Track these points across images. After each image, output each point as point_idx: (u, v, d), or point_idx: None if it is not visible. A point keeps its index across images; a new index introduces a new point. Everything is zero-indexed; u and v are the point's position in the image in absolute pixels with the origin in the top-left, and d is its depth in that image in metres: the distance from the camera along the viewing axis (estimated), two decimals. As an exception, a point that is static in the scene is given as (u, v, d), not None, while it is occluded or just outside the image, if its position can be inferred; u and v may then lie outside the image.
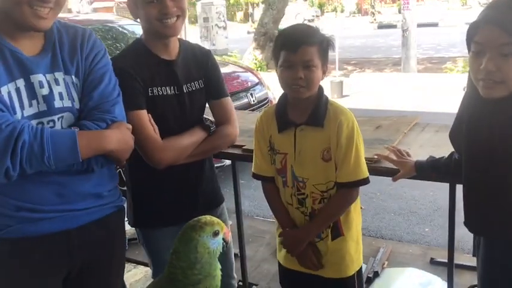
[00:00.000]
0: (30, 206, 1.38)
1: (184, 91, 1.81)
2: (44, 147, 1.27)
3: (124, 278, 1.74)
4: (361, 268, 1.79)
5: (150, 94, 1.73)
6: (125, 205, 1.67)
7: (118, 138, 1.43)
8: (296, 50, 1.54)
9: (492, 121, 1.34)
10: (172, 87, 1.78)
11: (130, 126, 1.51)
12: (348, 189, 1.65)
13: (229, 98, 1.97)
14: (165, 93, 1.76)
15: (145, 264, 2.86)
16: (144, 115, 1.70)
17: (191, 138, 1.80)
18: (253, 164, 1.79)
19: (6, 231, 1.38)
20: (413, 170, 1.75)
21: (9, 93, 1.32)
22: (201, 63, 1.88)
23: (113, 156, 1.44)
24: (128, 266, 2.79)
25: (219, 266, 1.20)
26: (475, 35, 1.31)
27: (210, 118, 1.91)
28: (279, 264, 1.86)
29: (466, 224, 1.49)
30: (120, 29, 5.74)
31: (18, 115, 1.33)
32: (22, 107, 1.34)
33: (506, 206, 1.36)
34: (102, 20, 6.15)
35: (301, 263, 1.73)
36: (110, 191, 1.57)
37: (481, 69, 1.29)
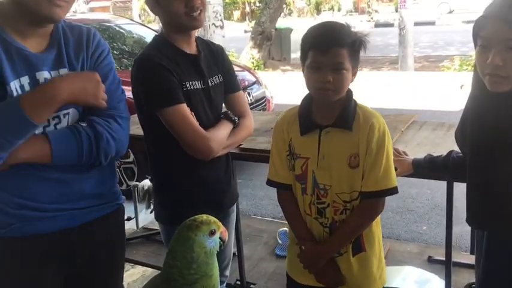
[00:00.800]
0: (32, 204, 1.38)
1: (210, 85, 1.84)
2: None
3: (121, 278, 1.74)
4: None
5: (184, 89, 1.74)
6: (124, 204, 1.66)
7: (71, 84, 1.34)
8: (326, 51, 1.42)
9: (497, 114, 1.35)
10: (200, 82, 1.80)
11: (99, 78, 1.41)
12: (374, 200, 1.52)
13: (242, 91, 2.01)
14: (196, 87, 1.78)
15: (143, 264, 2.85)
16: (186, 108, 1.71)
17: (225, 130, 1.83)
18: (269, 170, 1.66)
19: (9, 230, 1.38)
20: (411, 168, 1.75)
21: (14, 90, 1.32)
22: (218, 58, 1.92)
23: (75, 103, 1.36)
24: (125, 265, 2.79)
25: (216, 265, 1.19)
26: (481, 29, 1.32)
27: (229, 111, 1.93)
28: (289, 278, 1.71)
29: (468, 220, 1.48)
30: (117, 28, 5.68)
31: None
32: None
33: (509, 199, 1.36)
34: (98, 19, 6.14)
35: (320, 280, 1.60)
36: (111, 190, 1.58)
37: (488, 63, 1.29)
